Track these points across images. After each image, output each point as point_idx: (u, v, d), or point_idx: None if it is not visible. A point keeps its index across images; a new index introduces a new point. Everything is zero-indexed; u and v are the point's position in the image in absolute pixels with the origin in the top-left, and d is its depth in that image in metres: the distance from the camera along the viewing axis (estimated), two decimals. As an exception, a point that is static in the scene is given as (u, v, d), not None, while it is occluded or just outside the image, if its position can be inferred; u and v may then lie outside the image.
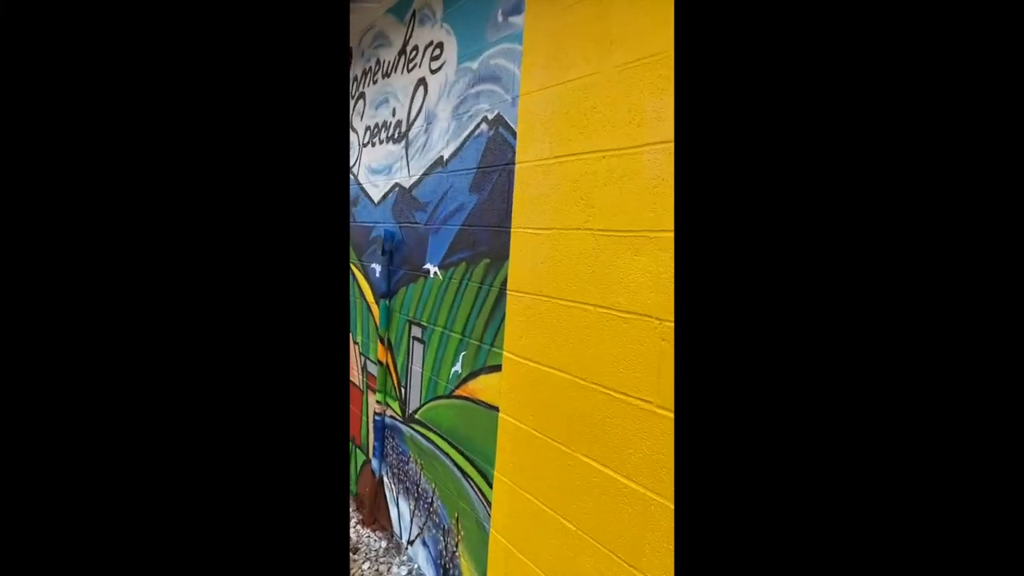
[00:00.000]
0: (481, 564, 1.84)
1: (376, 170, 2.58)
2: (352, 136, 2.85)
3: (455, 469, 1.99)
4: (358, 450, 2.80)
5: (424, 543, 2.20)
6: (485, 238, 1.84)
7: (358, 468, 2.79)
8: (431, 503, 2.15)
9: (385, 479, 2.50)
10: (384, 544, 2.39)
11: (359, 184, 2.78)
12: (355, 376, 2.82)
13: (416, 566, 2.22)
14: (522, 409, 1.67)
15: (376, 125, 2.58)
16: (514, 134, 1.70)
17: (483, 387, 1.85)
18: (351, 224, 2.84)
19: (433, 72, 2.13)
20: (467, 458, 1.92)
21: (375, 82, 2.59)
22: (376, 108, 2.58)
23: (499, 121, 1.77)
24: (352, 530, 2.48)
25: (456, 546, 1.99)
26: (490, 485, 1.79)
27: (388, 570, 2.22)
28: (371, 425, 2.61)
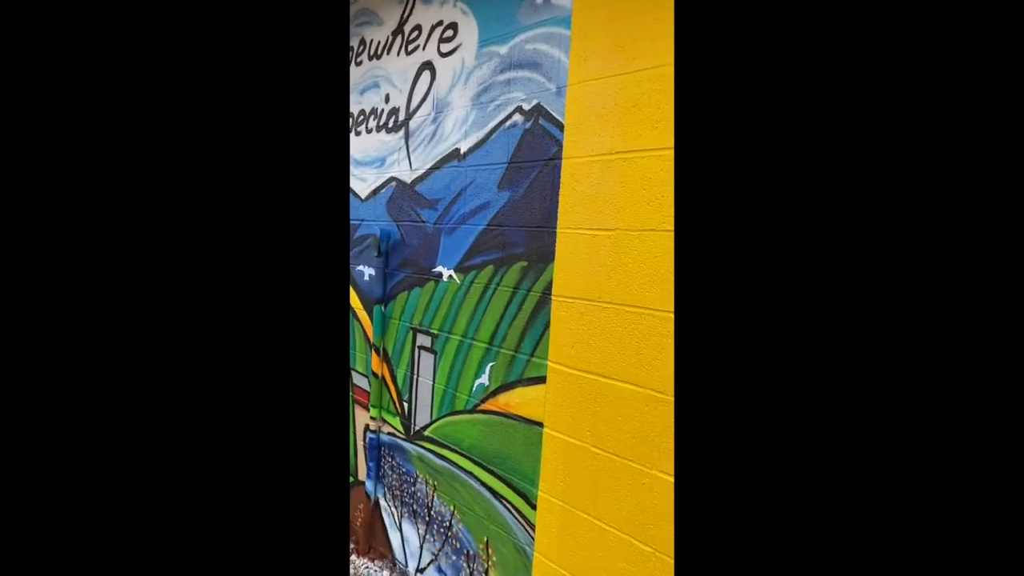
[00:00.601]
0: (522, 592, 1.69)
1: (363, 162, 2.33)
2: None
3: (483, 490, 1.83)
4: None
5: (440, 570, 2.01)
6: (520, 239, 1.69)
7: None
8: (448, 527, 1.97)
9: (382, 502, 2.28)
10: (386, 574, 2.18)
11: None
12: None
13: None
14: (576, 424, 1.54)
15: (363, 112, 2.33)
16: (560, 127, 1.56)
17: (520, 400, 1.70)
18: None
19: (444, 55, 1.93)
20: (500, 478, 1.77)
21: (358, 64, 2.34)
22: (361, 93, 2.33)
23: (539, 112, 1.62)
24: (354, 561, 2.23)
25: (485, 573, 1.83)
26: (532, 506, 1.65)
27: None
28: (362, 443, 2.37)
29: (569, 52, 1.54)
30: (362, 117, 2.35)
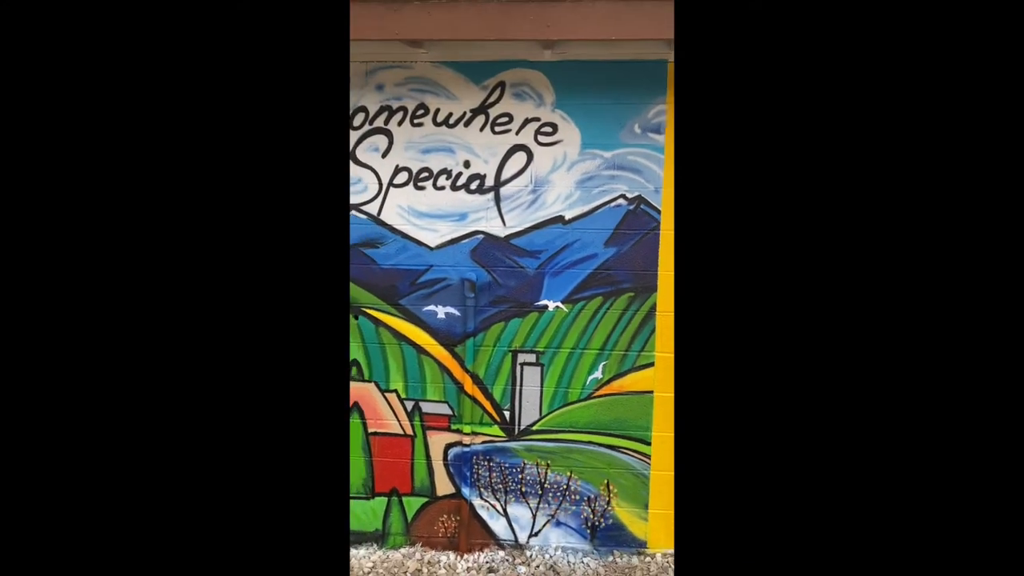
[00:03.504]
0: (641, 500, 2.87)
1: (433, 215, 2.80)
2: (366, 173, 2.80)
3: (601, 449, 2.86)
4: (406, 498, 2.90)
5: (557, 523, 2.90)
6: (627, 278, 2.81)
7: (412, 514, 2.90)
8: (566, 488, 2.89)
9: (477, 501, 2.89)
10: (500, 554, 2.86)
11: (383, 224, 2.82)
12: (390, 426, 2.87)
13: (550, 546, 2.86)
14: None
15: (427, 170, 2.79)
16: (657, 211, 2.79)
17: (632, 382, 2.85)
18: (372, 267, 2.81)
19: (543, 145, 2.79)
20: (616, 436, 2.86)
21: (418, 125, 2.78)
22: (424, 152, 2.79)
23: (640, 200, 2.79)
24: (457, 562, 2.73)
25: (608, 503, 2.89)
26: (647, 443, 2.85)
27: (531, 558, 2.78)
28: (442, 461, 2.88)
29: (662, 166, 2.74)
30: (426, 174, 2.77)
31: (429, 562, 2.59)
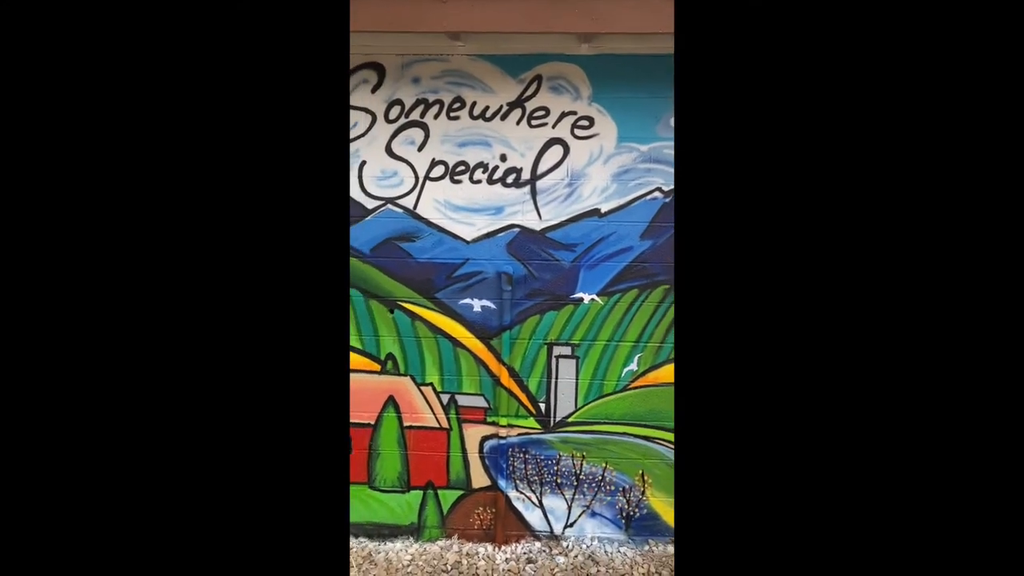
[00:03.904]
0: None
1: (470, 208, 2.80)
2: (402, 167, 2.80)
3: (636, 440, 2.89)
4: (441, 491, 2.91)
5: (593, 514, 2.93)
6: (662, 271, 2.84)
7: (447, 507, 2.92)
8: (601, 479, 2.92)
9: (512, 493, 2.91)
10: (537, 545, 2.89)
11: (419, 218, 2.82)
12: (425, 420, 2.88)
13: (586, 537, 2.89)
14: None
15: (464, 163, 2.80)
16: None
17: (668, 373, 2.87)
18: (408, 261, 2.82)
19: (579, 138, 2.80)
20: (651, 427, 2.90)
21: (454, 118, 2.78)
22: (461, 145, 2.79)
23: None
24: (496, 553, 2.76)
25: (642, 493, 2.92)
26: None
27: (568, 548, 2.80)
28: (478, 454, 2.89)
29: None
30: (463, 167, 2.78)
31: (468, 554, 2.60)
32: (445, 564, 2.52)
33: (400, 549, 2.65)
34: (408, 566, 2.53)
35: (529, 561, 2.56)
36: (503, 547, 2.69)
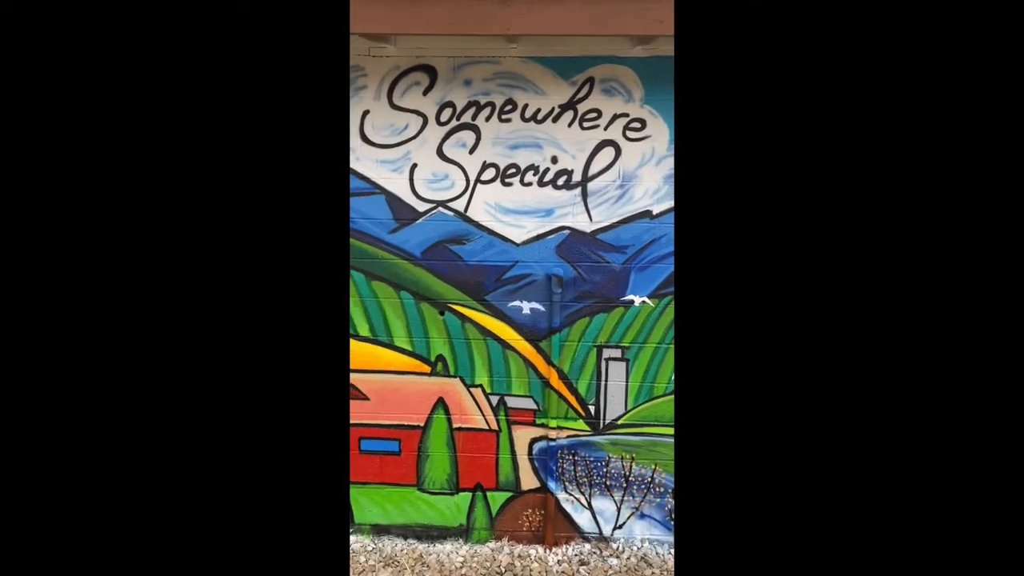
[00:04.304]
0: (723, 492, 2.92)
1: (519, 211, 2.80)
2: (453, 170, 2.80)
3: None
4: (490, 493, 2.92)
5: (642, 516, 2.93)
6: None
7: (496, 509, 2.92)
8: (651, 480, 2.92)
9: (562, 495, 2.92)
10: (587, 546, 2.89)
11: (470, 220, 2.82)
12: (475, 421, 2.89)
13: (635, 538, 2.90)
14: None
15: (514, 166, 2.79)
16: None
17: None
18: (458, 264, 2.82)
19: (631, 140, 2.80)
20: None
21: (506, 121, 2.78)
22: (511, 148, 2.79)
23: None
24: (547, 555, 2.76)
25: None
26: None
27: (619, 550, 2.81)
28: (527, 456, 2.90)
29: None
30: (514, 170, 2.78)
31: (519, 556, 2.61)
32: (499, 566, 2.53)
33: (450, 551, 2.66)
34: (461, 568, 2.54)
35: (582, 563, 2.57)
36: (553, 549, 2.69)
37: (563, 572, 2.50)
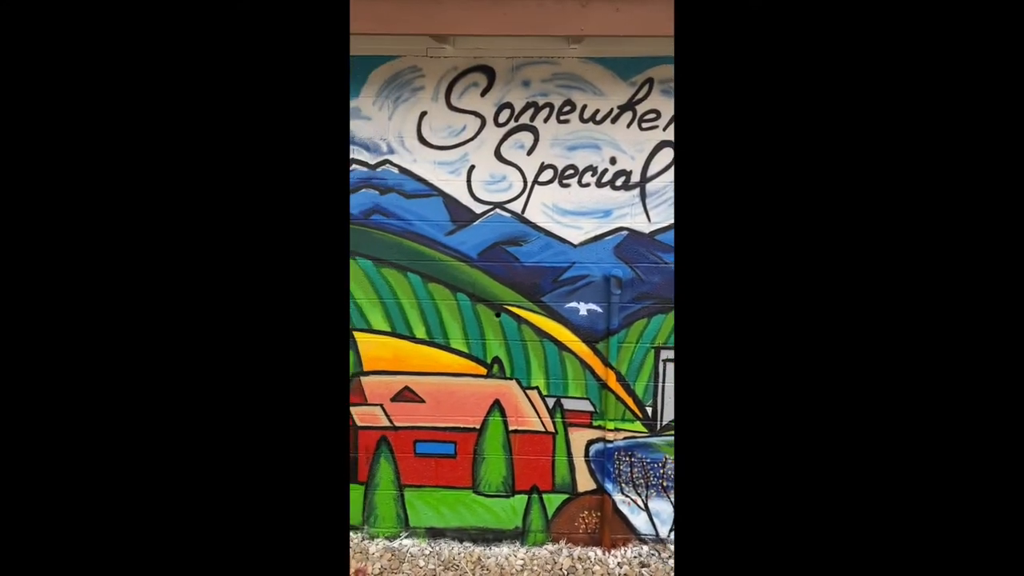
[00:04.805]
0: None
1: (577, 212, 2.79)
2: (510, 171, 2.79)
3: None
4: (546, 495, 2.91)
5: None
6: None
7: (552, 511, 2.91)
8: None
9: (618, 496, 2.91)
10: (645, 548, 2.89)
11: (527, 222, 2.81)
12: (531, 424, 2.88)
13: None
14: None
15: (572, 167, 2.79)
16: None
17: None
18: (515, 265, 2.81)
19: None
20: None
21: (565, 122, 2.77)
22: (569, 149, 2.79)
23: None
24: (607, 558, 2.75)
25: None
26: None
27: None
28: (583, 458, 2.89)
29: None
30: (572, 171, 2.77)
31: (579, 558, 2.60)
32: (560, 568, 2.52)
33: (508, 554, 2.65)
34: (521, 571, 2.52)
35: (643, 565, 2.56)
36: (613, 551, 2.69)
37: (625, 574, 2.49)
